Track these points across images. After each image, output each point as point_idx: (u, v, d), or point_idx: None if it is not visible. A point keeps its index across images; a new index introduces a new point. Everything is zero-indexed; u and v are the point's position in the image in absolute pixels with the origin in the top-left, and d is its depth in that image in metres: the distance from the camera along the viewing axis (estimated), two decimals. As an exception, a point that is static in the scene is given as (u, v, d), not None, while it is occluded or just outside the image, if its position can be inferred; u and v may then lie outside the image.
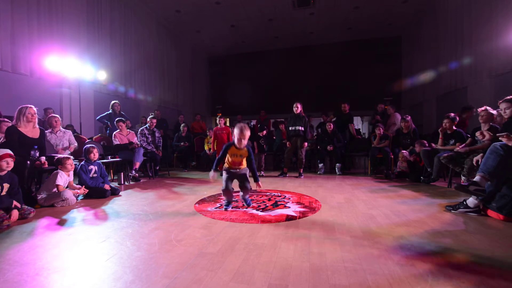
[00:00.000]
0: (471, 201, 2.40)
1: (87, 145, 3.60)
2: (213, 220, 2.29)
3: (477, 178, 2.32)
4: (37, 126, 3.28)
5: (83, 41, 5.98)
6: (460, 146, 3.50)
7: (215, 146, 5.69)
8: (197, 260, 1.51)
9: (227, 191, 2.63)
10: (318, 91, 10.75)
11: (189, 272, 1.37)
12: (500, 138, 2.33)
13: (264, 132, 5.61)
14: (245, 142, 2.60)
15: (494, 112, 3.18)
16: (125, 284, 1.26)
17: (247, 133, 2.59)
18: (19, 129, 3.07)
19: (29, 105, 3.17)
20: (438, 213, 2.45)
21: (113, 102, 5.81)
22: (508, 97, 2.71)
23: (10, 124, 3.13)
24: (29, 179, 3.04)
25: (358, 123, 13.34)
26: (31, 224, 2.26)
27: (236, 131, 2.58)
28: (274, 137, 7.32)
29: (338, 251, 1.62)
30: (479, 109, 3.28)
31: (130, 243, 1.77)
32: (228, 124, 10.24)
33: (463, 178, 3.31)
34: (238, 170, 2.70)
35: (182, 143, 6.57)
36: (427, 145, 4.45)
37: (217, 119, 5.70)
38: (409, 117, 5.07)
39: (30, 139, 3.12)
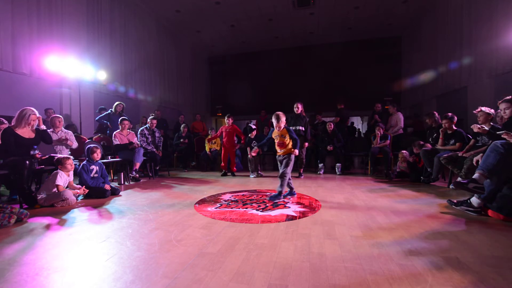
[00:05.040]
0: (475, 200, 2.40)
1: (91, 145, 3.60)
2: (213, 220, 2.29)
3: (476, 175, 2.33)
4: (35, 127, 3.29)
5: (83, 41, 5.97)
6: (462, 153, 3.48)
7: (221, 145, 5.58)
8: (197, 260, 1.51)
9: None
10: (318, 91, 10.74)
11: (189, 272, 1.37)
12: (502, 136, 2.34)
13: (254, 133, 5.50)
14: (281, 125, 3.17)
15: (491, 111, 3.17)
16: (125, 284, 1.26)
17: (282, 118, 3.18)
18: (16, 130, 3.07)
19: (33, 111, 3.17)
20: (438, 213, 2.45)
21: (117, 103, 5.79)
22: (508, 97, 2.70)
23: (6, 125, 3.15)
24: (29, 179, 3.04)
25: (358, 123, 13.34)
26: (31, 224, 2.26)
27: (273, 120, 3.21)
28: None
29: (338, 251, 1.62)
30: (475, 111, 3.27)
31: (130, 243, 1.77)
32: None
33: (459, 178, 3.31)
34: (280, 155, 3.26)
35: (182, 140, 6.57)
36: (422, 143, 4.45)
37: (226, 118, 5.57)
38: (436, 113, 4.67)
39: (26, 140, 3.13)
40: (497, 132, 2.46)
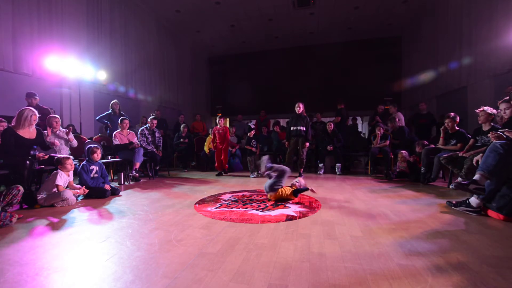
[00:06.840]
0: (474, 200, 2.40)
1: (91, 145, 3.59)
2: (213, 220, 2.29)
3: (476, 176, 2.33)
4: (34, 127, 3.29)
5: (83, 41, 5.97)
6: (462, 152, 3.48)
7: (214, 146, 5.55)
8: (197, 260, 1.51)
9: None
10: (318, 91, 10.75)
11: (189, 272, 1.37)
12: (506, 134, 2.34)
13: (253, 132, 5.50)
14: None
15: (494, 111, 3.17)
16: (125, 284, 1.26)
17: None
18: (16, 131, 3.07)
19: (33, 111, 3.19)
20: (438, 213, 2.45)
21: (112, 101, 5.79)
22: (507, 98, 2.71)
23: (5, 125, 3.16)
24: (29, 179, 3.04)
25: (358, 123, 13.32)
26: (31, 224, 2.26)
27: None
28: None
29: (338, 251, 1.62)
30: (477, 110, 3.28)
31: (130, 243, 1.77)
32: (227, 124, 10.24)
33: (459, 178, 3.32)
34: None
35: (182, 140, 6.58)
36: (426, 143, 4.46)
37: (217, 118, 5.61)
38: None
39: (27, 140, 3.13)
40: (500, 130, 2.47)
